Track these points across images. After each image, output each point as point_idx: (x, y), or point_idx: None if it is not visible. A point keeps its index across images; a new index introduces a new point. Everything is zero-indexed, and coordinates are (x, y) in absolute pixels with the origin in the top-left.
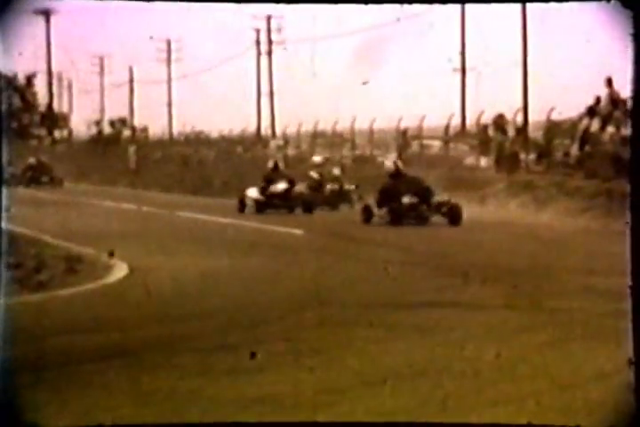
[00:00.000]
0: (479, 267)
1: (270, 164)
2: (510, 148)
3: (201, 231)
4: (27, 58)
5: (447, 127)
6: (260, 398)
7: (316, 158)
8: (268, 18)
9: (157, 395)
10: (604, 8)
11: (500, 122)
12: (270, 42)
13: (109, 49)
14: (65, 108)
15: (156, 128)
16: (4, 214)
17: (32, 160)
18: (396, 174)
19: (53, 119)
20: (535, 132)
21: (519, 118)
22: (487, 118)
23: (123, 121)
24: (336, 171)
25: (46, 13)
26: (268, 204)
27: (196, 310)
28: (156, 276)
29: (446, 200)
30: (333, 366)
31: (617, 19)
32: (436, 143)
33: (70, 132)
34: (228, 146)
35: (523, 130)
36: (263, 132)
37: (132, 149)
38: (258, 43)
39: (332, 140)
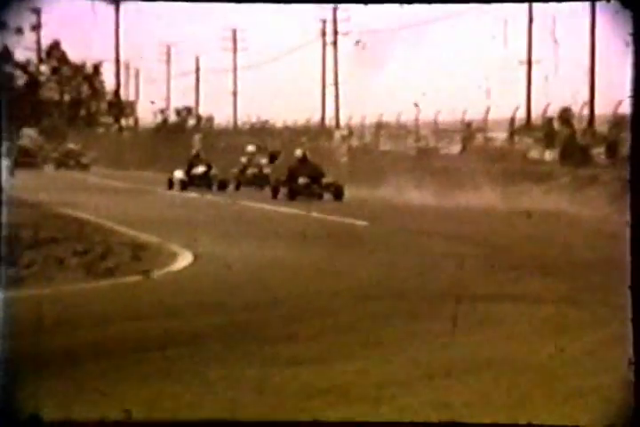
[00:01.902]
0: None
1: (193, 151)
2: (577, 141)
3: (262, 220)
4: (95, 46)
5: (512, 120)
6: (324, 389)
7: (250, 147)
8: (335, 9)
9: (222, 384)
10: (604, 8)
11: (565, 115)
12: (336, 32)
13: (176, 38)
14: (132, 97)
15: (221, 117)
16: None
17: (71, 145)
18: (302, 160)
19: (120, 107)
20: (601, 126)
21: (585, 112)
22: (553, 111)
23: (188, 110)
24: (263, 160)
25: (116, 2)
26: (190, 183)
27: (260, 297)
28: (220, 264)
29: (333, 181)
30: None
31: (617, 19)
32: (501, 136)
33: (136, 121)
34: (292, 136)
35: (589, 123)
36: (327, 122)
37: (196, 137)
38: (324, 33)
39: (397, 131)
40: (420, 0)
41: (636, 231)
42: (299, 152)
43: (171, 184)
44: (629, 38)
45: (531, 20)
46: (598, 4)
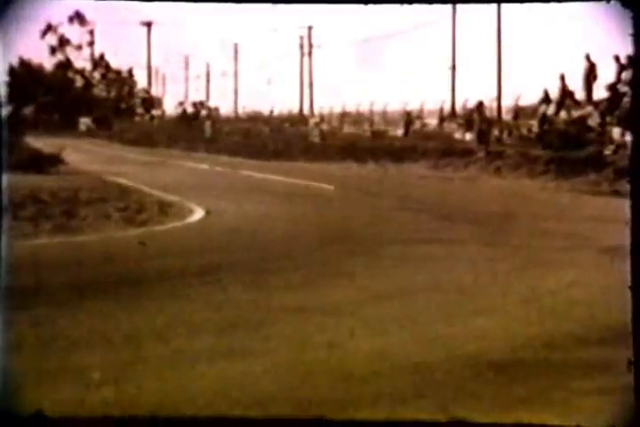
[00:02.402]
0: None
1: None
2: (487, 126)
3: (257, 185)
4: (132, 56)
5: (441, 110)
6: (302, 306)
7: None
8: (309, 28)
9: (227, 304)
10: (603, 8)
11: (480, 107)
12: (310, 46)
13: (192, 50)
14: (160, 94)
15: (226, 109)
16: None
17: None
18: None
19: (151, 102)
20: (507, 115)
21: (495, 104)
22: (471, 104)
23: (201, 103)
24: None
25: (149, 24)
26: None
27: (256, 241)
28: (225, 217)
29: None
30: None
31: (617, 19)
32: (433, 122)
33: (163, 112)
34: (278, 123)
35: (498, 113)
36: (304, 112)
37: (207, 123)
38: (301, 46)
39: (356, 118)
40: (420, 0)
41: (637, 231)
42: None
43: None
44: (629, 38)
45: (454, 33)
46: (598, 5)
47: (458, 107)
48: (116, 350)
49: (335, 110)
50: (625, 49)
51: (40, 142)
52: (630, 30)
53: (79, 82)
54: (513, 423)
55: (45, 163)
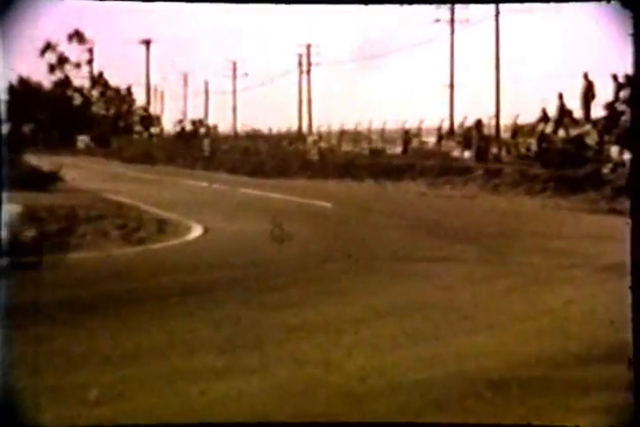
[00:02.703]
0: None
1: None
2: (485, 145)
3: (255, 202)
4: (130, 75)
5: (439, 129)
6: (298, 325)
7: None
8: (308, 46)
9: (225, 321)
10: (603, 8)
11: (478, 125)
12: (309, 63)
13: (191, 67)
14: (158, 111)
15: (225, 126)
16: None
17: None
18: None
19: (150, 120)
20: (506, 133)
21: (493, 122)
22: (469, 122)
23: (200, 121)
24: None
25: (147, 42)
26: None
27: (254, 259)
28: (223, 235)
29: None
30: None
31: (617, 19)
32: (431, 140)
33: (162, 129)
34: (276, 140)
35: (496, 131)
36: (303, 130)
37: (206, 141)
38: (300, 64)
39: (354, 136)
40: (420, 0)
41: (637, 232)
42: None
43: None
44: (629, 38)
45: (452, 51)
46: (598, 5)
47: (456, 125)
48: (115, 368)
49: (334, 128)
50: (623, 67)
51: (38, 160)
52: (630, 30)
53: (78, 100)
54: (513, 424)
55: (44, 180)
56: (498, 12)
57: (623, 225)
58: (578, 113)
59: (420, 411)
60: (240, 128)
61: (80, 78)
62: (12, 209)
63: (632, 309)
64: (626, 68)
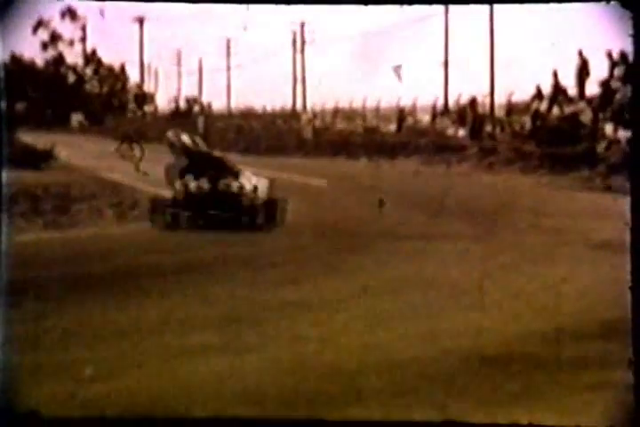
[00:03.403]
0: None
1: None
2: (479, 123)
3: None
4: (124, 52)
5: (434, 106)
6: (295, 301)
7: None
8: (302, 24)
9: (221, 299)
10: (603, 8)
11: (472, 103)
12: (303, 42)
13: (185, 45)
14: (152, 89)
15: (218, 105)
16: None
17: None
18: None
19: (144, 98)
20: (500, 111)
21: (487, 100)
22: (464, 100)
23: (194, 99)
24: None
25: (140, 20)
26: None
27: (248, 236)
28: None
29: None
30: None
31: (617, 19)
32: (426, 118)
33: (156, 108)
34: (270, 119)
35: (490, 109)
36: (297, 108)
37: (200, 119)
38: (294, 42)
39: (349, 114)
40: (420, 0)
41: (637, 232)
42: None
43: None
44: (629, 39)
45: (447, 29)
46: (598, 5)
47: (450, 103)
48: (110, 346)
49: (328, 106)
50: (617, 45)
51: (32, 138)
52: (630, 30)
53: (71, 78)
54: (511, 424)
55: (38, 159)
56: None
57: (618, 202)
58: (572, 91)
59: (415, 387)
60: (234, 106)
61: (73, 56)
62: None
63: (631, 305)
64: (620, 45)
